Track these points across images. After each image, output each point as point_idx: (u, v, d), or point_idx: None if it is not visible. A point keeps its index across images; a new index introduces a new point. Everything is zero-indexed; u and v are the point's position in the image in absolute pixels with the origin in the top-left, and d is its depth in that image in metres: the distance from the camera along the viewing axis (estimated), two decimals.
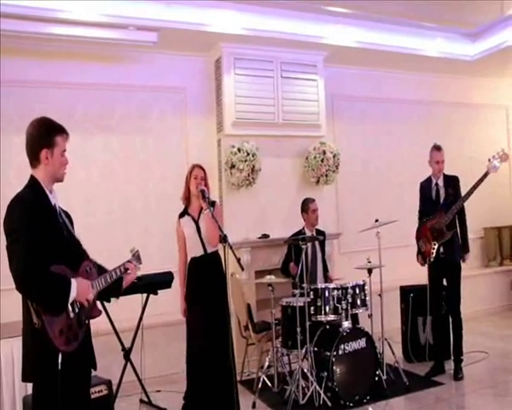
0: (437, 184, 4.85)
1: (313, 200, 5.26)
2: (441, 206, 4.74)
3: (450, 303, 4.82)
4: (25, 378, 2.45)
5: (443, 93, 7.36)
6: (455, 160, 6.67)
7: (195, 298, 3.92)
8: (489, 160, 4.64)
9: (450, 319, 4.86)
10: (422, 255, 4.87)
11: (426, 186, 4.95)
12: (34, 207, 2.33)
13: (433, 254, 4.71)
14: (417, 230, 4.94)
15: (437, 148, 4.86)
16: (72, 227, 2.62)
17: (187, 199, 4.04)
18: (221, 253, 3.66)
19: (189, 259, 4.03)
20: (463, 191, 4.71)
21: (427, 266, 4.83)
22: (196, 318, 3.88)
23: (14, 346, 3.41)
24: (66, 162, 2.51)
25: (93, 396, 3.11)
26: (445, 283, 4.91)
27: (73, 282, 2.35)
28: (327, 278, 5.22)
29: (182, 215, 4.07)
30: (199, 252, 3.94)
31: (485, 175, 4.57)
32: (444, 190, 4.80)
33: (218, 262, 3.98)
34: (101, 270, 2.69)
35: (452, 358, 4.83)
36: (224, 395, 3.78)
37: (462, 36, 6.70)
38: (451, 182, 4.80)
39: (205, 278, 3.92)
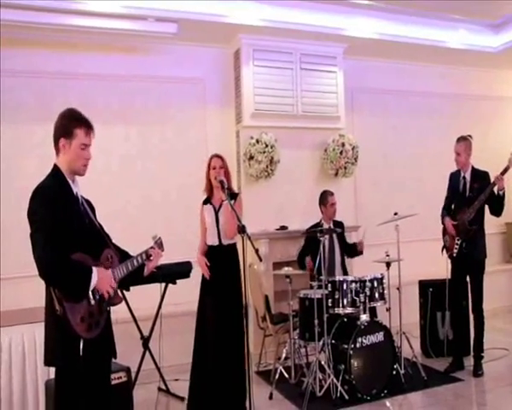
0: (464, 178, 4.76)
1: (332, 193, 5.22)
2: (466, 201, 4.66)
3: (473, 300, 4.74)
4: (47, 363, 2.50)
5: (466, 86, 7.24)
6: (478, 154, 6.57)
7: (208, 288, 3.92)
8: (511, 153, 4.52)
9: (472, 316, 4.79)
10: (447, 250, 4.83)
11: (455, 178, 4.87)
12: (56, 196, 2.37)
13: (456, 250, 4.68)
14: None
15: (457, 139, 4.77)
16: (94, 216, 2.64)
17: (209, 191, 4.05)
18: (239, 244, 3.66)
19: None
20: None
21: (450, 260, 4.79)
22: (208, 308, 3.88)
23: (37, 331, 3.47)
24: (84, 156, 2.50)
25: (113, 382, 3.13)
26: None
27: (94, 269, 2.38)
28: (345, 271, 5.20)
29: (205, 202, 4.10)
30: (215, 242, 3.97)
31: (506, 170, 4.48)
32: (470, 185, 4.70)
33: (233, 254, 3.99)
34: (124, 255, 2.71)
35: (473, 354, 4.77)
36: (235, 388, 3.80)
37: (485, 27, 6.57)
38: (478, 177, 4.69)
39: (218, 269, 3.93)
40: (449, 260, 4.84)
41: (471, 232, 4.57)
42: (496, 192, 4.56)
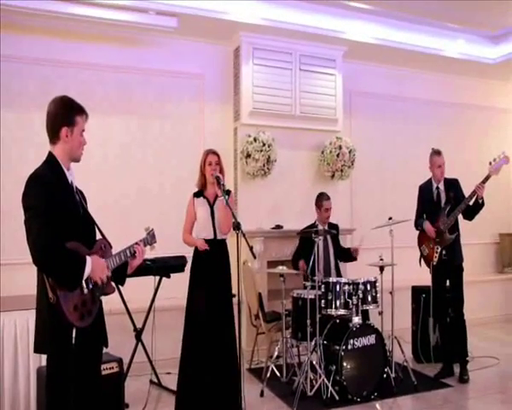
0: (438, 188, 4.85)
1: (328, 198, 5.17)
2: (442, 210, 4.72)
3: (453, 305, 4.79)
4: (38, 350, 2.47)
5: (463, 95, 7.30)
6: (472, 163, 6.59)
7: (199, 281, 3.88)
8: (490, 163, 4.61)
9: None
10: (425, 260, 4.87)
11: (426, 189, 4.95)
12: (52, 184, 2.35)
13: (436, 258, 4.72)
14: (419, 235, 4.93)
15: (437, 152, 4.86)
16: (86, 206, 2.62)
17: (203, 185, 4.03)
18: (234, 240, 3.64)
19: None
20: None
21: (429, 269, 4.83)
22: (199, 301, 3.84)
23: (30, 318, 3.43)
24: (84, 143, 2.53)
25: (104, 373, 3.11)
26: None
27: (88, 259, 2.36)
28: (339, 273, 5.19)
29: (197, 195, 4.03)
30: (209, 235, 3.92)
31: (487, 178, 4.54)
32: (444, 194, 4.79)
33: (225, 249, 3.98)
34: None
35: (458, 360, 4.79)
36: (227, 383, 3.77)
37: (484, 38, 6.64)
38: (452, 185, 4.80)
39: (211, 263, 3.90)
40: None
41: (451, 240, 4.64)
42: (473, 200, 4.61)
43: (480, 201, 4.57)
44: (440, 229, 4.68)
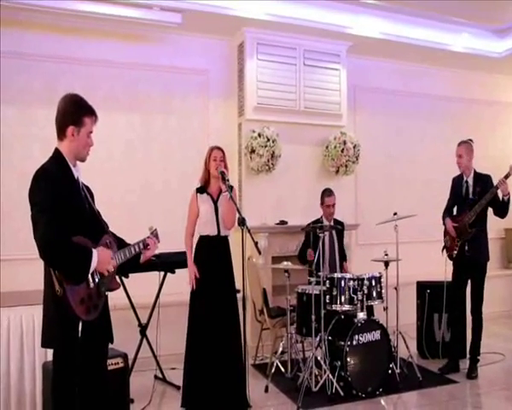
0: (467, 182, 4.77)
1: (330, 194, 5.14)
2: (468, 204, 4.68)
3: (472, 303, 4.74)
4: (44, 344, 2.49)
5: (469, 90, 7.25)
6: (479, 158, 6.56)
7: (202, 278, 3.87)
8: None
9: (471, 319, 4.77)
10: (447, 251, 4.85)
11: (457, 182, 4.89)
12: (58, 179, 2.37)
13: (455, 251, 4.70)
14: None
15: (458, 143, 4.81)
16: (93, 201, 2.64)
17: (206, 181, 4.02)
18: (239, 236, 3.64)
19: (198, 236, 4.00)
20: None
21: (452, 262, 4.80)
22: (201, 298, 3.84)
23: (35, 313, 3.46)
24: (90, 144, 2.54)
25: (110, 368, 3.13)
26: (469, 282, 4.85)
27: (94, 252, 2.38)
28: (342, 268, 5.19)
29: (200, 191, 4.01)
30: (213, 232, 3.91)
31: (507, 176, 4.48)
32: (472, 188, 4.72)
33: (228, 246, 3.98)
34: (121, 243, 2.71)
35: (468, 356, 4.76)
36: (233, 379, 3.78)
37: (490, 32, 6.59)
38: (481, 180, 4.71)
39: (214, 259, 3.90)
40: (448, 262, 4.84)
41: (470, 235, 4.59)
42: (500, 197, 4.57)
43: (506, 198, 4.52)
44: (462, 224, 4.64)
